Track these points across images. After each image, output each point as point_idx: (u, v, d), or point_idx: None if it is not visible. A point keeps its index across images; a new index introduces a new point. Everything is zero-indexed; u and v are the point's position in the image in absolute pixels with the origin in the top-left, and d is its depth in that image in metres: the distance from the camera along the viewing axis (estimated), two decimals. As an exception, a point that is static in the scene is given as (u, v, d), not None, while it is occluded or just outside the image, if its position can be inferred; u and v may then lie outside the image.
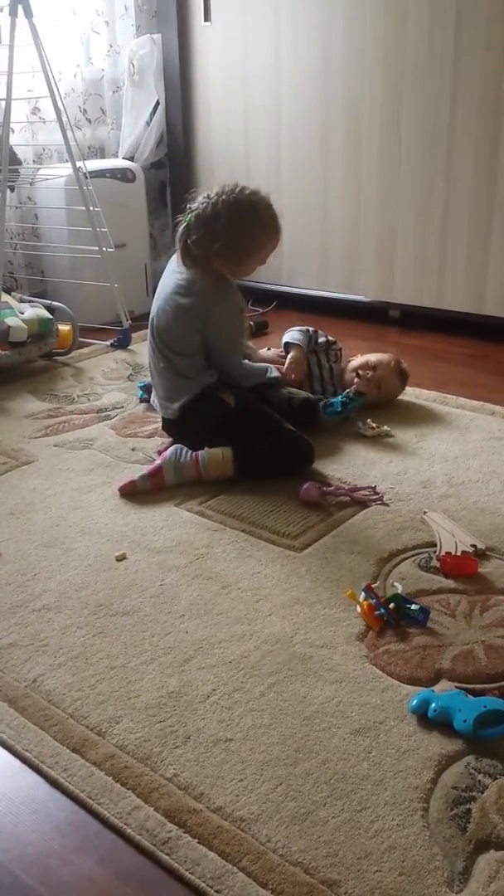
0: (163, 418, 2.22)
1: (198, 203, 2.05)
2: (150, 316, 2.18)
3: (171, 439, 2.19)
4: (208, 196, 2.04)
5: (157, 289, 2.20)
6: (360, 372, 2.42)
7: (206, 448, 2.02)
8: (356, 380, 2.41)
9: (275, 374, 2.24)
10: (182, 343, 2.11)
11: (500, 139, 2.84)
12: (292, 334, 2.47)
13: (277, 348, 2.52)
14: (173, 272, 2.15)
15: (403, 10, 2.90)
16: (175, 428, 2.18)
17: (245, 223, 2.02)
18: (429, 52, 2.90)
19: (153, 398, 2.26)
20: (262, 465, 2.03)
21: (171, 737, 1.24)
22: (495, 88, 2.80)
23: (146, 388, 2.48)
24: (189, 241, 2.04)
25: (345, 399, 2.27)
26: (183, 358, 2.12)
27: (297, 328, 2.49)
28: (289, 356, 2.39)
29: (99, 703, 1.30)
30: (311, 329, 2.49)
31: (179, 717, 1.27)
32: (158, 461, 2.02)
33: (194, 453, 2.01)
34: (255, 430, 2.06)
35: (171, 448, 2.04)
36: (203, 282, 2.07)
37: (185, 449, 2.03)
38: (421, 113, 2.98)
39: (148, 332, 2.20)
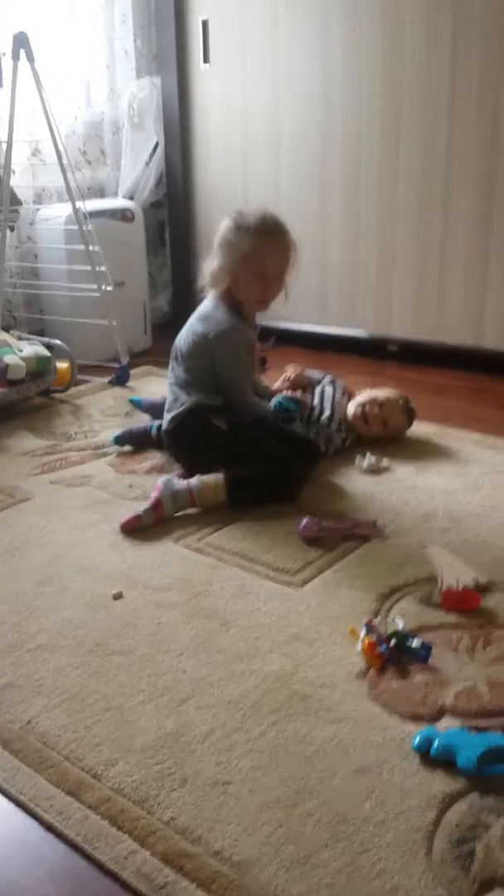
0: (164, 432, 2.26)
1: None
2: (174, 345, 2.28)
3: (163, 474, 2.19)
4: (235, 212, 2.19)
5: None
6: (367, 408, 2.42)
7: (197, 476, 2.03)
8: (359, 413, 2.42)
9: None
10: (193, 364, 2.20)
11: (497, 171, 2.87)
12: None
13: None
14: (204, 303, 2.26)
15: (399, 48, 2.95)
16: (169, 441, 2.23)
17: (241, 225, 2.14)
18: (426, 90, 2.94)
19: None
20: (255, 489, 2.04)
21: (169, 779, 1.21)
22: (492, 120, 2.84)
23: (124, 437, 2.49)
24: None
25: (277, 406, 2.29)
26: (191, 376, 2.19)
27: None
28: None
29: (94, 746, 1.28)
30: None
31: (177, 758, 1.25)
32: (155, 494, 2.01)
33: (186, 481, 2.02)
34: (248, 453, 2.07)
35: (162, 479, 2.04)
36: (218, 314, 2.18)
37: (176, 478, 2.05)
38: (418, 150, 3.02)
39: (171, 361, 2.29)
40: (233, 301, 2.19)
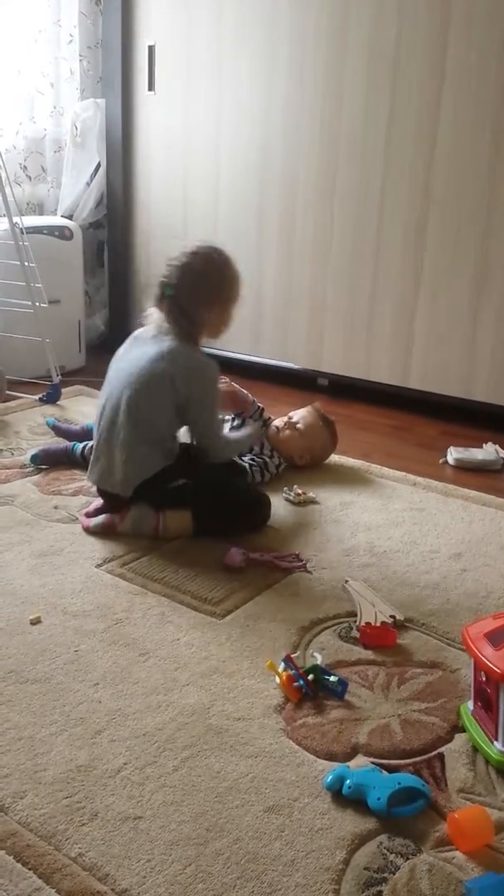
0: (108, 493, 2.09)
1: (173, 270, 2.02)
2: (112, 391, 2.05)
3: (98, 500, 2.14)
4: (182, 259, 2.03)
5: (121, 364, 2.08)
6: (280, 425, 2.50)
7: (165, 511, 2.04)
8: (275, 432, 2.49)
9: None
10: (159, 416, 2.02)
11: (427, 221, 2.95)
12: None
13: None
14: (150, 344, 2.05)
15: (339, 94, 3.02)
16: (114, 502, 2.09)
17: (229, 267, 2.06)
18: (362, 136, 3.01)
19: (91, 475, 2.13)
20: (221, 525, 2.06)
21: (78, 814, 1.19)
22: (424, 174, 2.92)
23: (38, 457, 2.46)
24: (181, 305, 2.02)
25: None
26: (143, 429, 2.02)
27: None
28: None
29: (2, 777, 1.25)
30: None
31: (87, 792, 1.23)
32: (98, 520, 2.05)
33: (155, 512, 2.03)
34: (214, 500, 2.07)
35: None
36: (185, 353, 2.02)
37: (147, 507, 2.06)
38: (353, 192, 3.08)
39: (108, 409, 2.05)
40: (191, 337, 2.06)
